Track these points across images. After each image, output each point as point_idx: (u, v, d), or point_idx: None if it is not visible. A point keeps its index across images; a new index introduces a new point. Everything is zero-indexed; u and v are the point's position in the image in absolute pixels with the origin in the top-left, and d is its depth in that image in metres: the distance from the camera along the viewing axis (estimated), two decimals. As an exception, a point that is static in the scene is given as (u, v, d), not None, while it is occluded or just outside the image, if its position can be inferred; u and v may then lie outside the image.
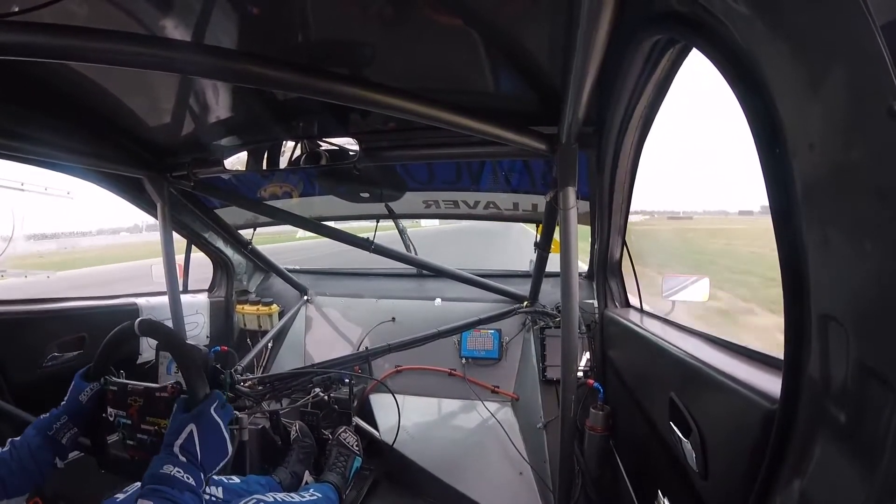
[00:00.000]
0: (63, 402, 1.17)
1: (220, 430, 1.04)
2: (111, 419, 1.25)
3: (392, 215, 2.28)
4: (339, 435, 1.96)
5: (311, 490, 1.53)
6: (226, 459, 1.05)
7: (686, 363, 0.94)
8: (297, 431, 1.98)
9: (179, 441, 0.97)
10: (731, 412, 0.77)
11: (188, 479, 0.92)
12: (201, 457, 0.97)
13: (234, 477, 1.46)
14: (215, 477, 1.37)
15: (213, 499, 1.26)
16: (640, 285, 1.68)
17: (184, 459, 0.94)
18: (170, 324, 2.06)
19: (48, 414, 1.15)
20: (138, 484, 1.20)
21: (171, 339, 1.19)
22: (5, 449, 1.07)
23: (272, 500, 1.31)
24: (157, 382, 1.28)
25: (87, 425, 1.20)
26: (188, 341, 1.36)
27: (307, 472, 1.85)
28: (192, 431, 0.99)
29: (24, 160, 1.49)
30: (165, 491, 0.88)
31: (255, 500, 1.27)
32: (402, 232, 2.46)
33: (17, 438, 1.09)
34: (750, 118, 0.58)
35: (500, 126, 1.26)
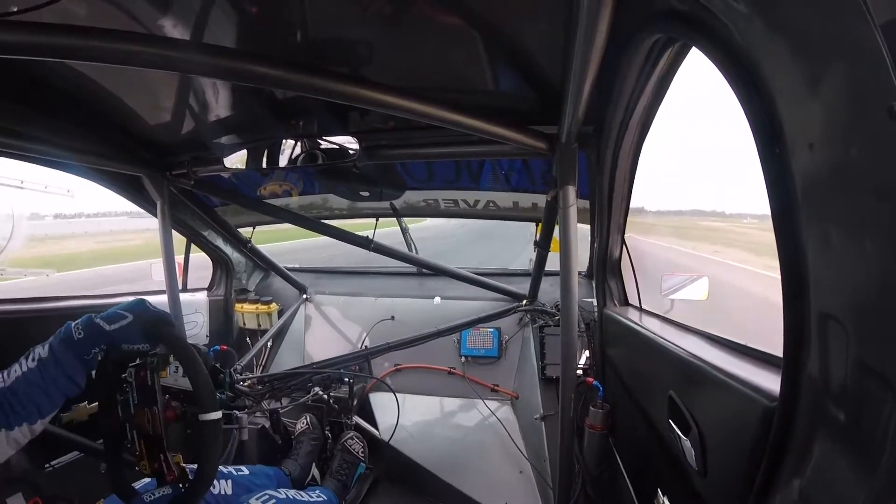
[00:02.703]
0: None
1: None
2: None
3: (396, 213, 2.28)
4: (346, 441, 1.95)
5: (317, 491, 1.52)
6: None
7: (685, 361, 0.95)
8: (307, 423, 1.97)
9: None
10: (730, 410, 0.77)
11: None
12: None
13: (242, 468, 1.43)
14: (224, 469, 1.34)
15: (223, 493, 1.25)
16: (639, 284, 1.68)
17: None
18: None
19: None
20: (147, 480, 1.17)
21: (173, 340, 1.15)
22: (33, 367, 0.98)
23: (284, 496, 1.31)
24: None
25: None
26: (188, 341, 1.35)
27: (314, 464, 1.85)
28: None
29: (24, 158, 1.49)
30: None
31: (266, 496, 1.26)
32: (404, 231, 2.46)
33: (43, 354, 1.01)
34: (750, 117, 0.58)
35: (499, 125, 1.26)
